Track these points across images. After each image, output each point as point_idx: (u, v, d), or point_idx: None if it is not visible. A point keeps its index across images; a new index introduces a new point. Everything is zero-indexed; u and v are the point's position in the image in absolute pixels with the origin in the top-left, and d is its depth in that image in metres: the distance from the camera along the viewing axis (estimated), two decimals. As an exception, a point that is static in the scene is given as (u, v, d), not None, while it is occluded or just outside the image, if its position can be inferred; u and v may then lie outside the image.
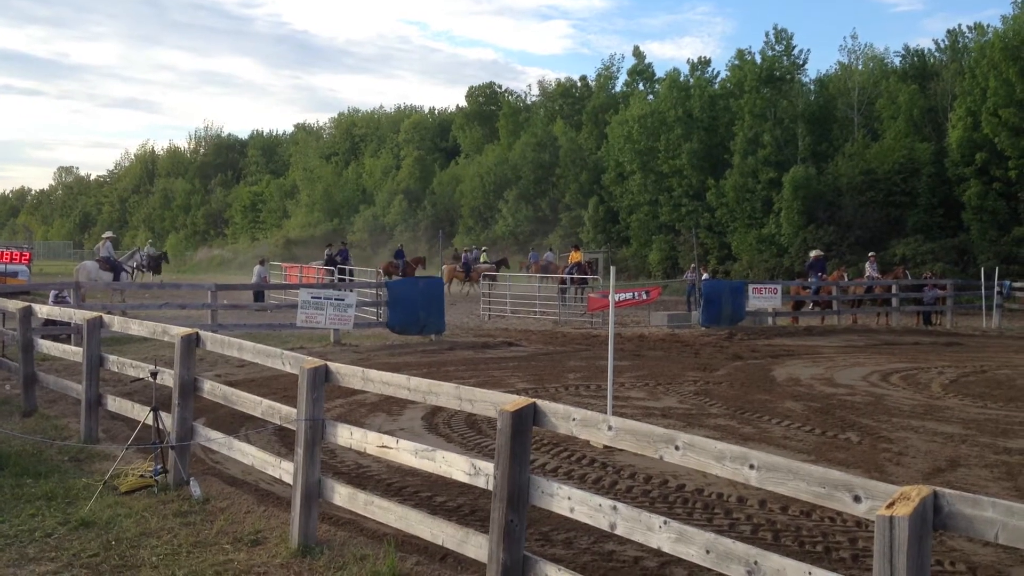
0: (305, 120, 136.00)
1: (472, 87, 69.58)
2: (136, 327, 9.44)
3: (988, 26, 40.96)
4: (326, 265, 33.66)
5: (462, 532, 5.38)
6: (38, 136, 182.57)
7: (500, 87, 69.59)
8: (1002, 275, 26.77)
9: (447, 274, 32.93)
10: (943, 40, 46.68)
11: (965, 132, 37.48)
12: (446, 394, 5.59)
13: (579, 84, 61.19)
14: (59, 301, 18.11)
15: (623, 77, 58.29)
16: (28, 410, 10.89)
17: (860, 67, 46.02)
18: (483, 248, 42.77)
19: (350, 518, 6.73)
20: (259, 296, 26.28)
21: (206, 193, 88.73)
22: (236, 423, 9.82)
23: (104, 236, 26.60)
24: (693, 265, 31.92)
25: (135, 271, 37.11)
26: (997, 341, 22.54)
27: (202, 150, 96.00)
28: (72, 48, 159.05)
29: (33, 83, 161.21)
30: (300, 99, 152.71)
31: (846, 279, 27.06)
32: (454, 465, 5.47)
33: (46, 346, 11.34)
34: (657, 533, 4.34)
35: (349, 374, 6.36)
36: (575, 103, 59.28)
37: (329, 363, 6.43)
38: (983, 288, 25.86)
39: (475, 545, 5.20)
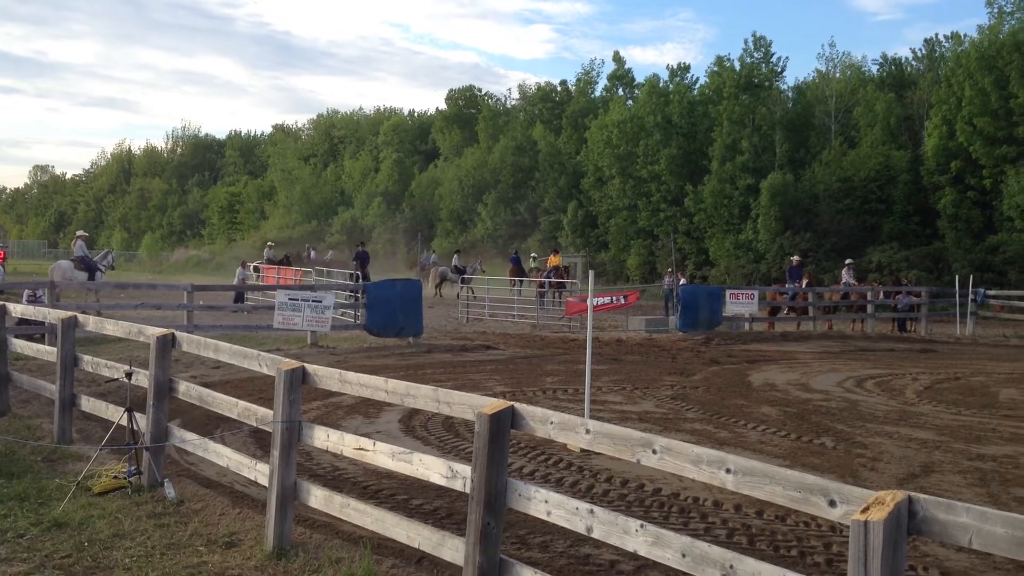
0: (284, 121, 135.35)
1: (452, 90, 69.38)
2: (111, 327, 9.37)
3: (964, 36, 41.44)
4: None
5: (439, 535, 5.37)
6: (13, 134, 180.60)
7: (480, 90, 69.53)
8: (976, 283, 27.00)
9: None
10: (920, 49, 47.24)
11: (941, 141, 37.85)
12: (424, 397, 5.58)
13: (559, 88, 61.27)
14: (33, 300, 17.93)
15: (603, 82, 58.47)
16: (0, 410, 10.78)
17: (838, 75, 46.40)
18: (532, 255, 39.77)
19: (326, 521, 6.70)
20: (239, 298, 26.19)
21: (183, 193, 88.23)
22: (211, 425, 9.76)
23: (77, 235, 26.31)
24: (671, 270, 32.01)
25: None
26: (971, 348, 22.76)
27: (179, 150, 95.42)
28: (51, 46, 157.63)
29: (10, 81, 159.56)
30: (280, 100, 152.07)
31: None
32: (431, 468, 5.45)
33: (20, 345, 11.22)
34: (634, 537, 4.35)
35: (326, 376, 6.33)
36: (555, 107, 59.31)
37: (306, 365, 6.40)
38: (957, 296, 26.11)
39: (452, 548, 5.19)
